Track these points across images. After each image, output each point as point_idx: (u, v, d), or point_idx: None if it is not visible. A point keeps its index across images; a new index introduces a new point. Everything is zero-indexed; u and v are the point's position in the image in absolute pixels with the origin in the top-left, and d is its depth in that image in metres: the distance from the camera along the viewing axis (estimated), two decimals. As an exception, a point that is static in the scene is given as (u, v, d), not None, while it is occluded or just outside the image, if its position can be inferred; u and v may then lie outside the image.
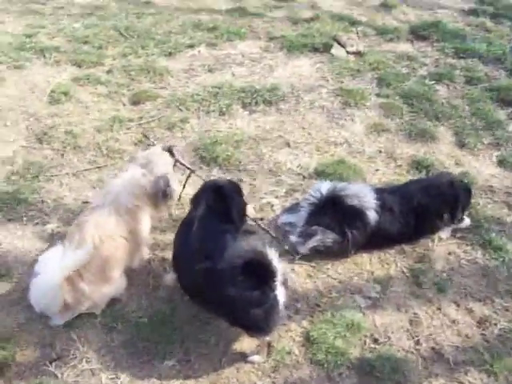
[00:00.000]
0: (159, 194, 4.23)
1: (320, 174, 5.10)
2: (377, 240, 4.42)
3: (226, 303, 3.49)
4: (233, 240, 3.83)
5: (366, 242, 4.38)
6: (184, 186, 4.60)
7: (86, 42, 7.08)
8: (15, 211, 4.79)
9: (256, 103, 6.01)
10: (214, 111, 5.95)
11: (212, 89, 6.24)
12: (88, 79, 6.40)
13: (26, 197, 4.92)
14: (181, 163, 4.61)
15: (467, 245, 4.52)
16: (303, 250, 4.36)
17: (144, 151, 4.62)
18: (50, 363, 3.71)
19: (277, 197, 4.94)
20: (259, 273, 3.37)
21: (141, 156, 4.43)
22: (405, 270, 4.30)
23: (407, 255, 4.42)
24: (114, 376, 3.64)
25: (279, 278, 3.45)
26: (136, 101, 6.12)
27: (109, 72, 6.57)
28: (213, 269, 3.50)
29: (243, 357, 3.71)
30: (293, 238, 4.43)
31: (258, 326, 3.53)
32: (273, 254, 3.39)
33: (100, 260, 3.92)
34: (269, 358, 3.71)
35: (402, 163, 5.24)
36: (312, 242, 4.34)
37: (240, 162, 5.29)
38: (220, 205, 3.98)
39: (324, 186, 4.41)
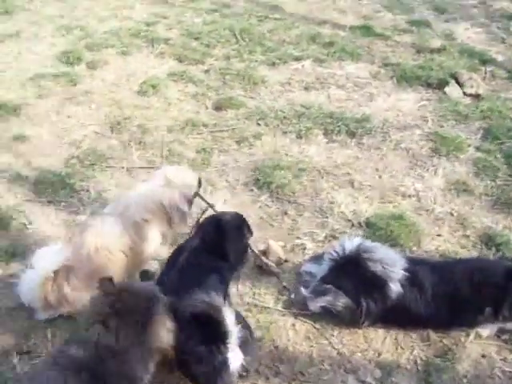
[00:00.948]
0: (176, 210, 4.05)
1: (371, 225, 4.52)
2: (397, 317, 3.81)
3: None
4: (216, 279, 3.52)
5: (383, 316, 3.80)
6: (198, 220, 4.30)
7: (197, 38, 7.07)
8: (57, 195, 4.89)
9: (338, 132, 5.53)
10: (291, 132, 5.59)
11: (300, 108, 5.88)
12: (182, 76, 6.37)
13: (73, 182, 5.00)
14: (200, 197, 4.32)
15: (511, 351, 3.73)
16: (312, 306, 3.89)
17: (170, 167, 4.43)
18: (18, 355, 3.66)
19: (314, 240, 4.48)
20: (209, 329, 3.02)
21: (165, 170, 4.26)
22: (419, 361, 3.63)
23: (431, 344, 3.73)
24: None
25: (234, 341, 3.07)
26: (219, 106, 5.95)
27: (206, 72, 6.49)
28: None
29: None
30: (304, 291, 3.97)
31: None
32: (229, 313, 3.01)
33: (90, 269, 3.80)
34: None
35: (472, 234, 4.46)
36: (322, 302, 3.84)
37: (293, 193, 4.88)
38: (216, 239, 3.68)
39: (349, 243, 3.88)
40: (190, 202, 4.13)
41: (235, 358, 3.11)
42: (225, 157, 5.34)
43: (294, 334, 3.81)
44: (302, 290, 3.99)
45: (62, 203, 4.83)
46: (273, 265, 4.23)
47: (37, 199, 4.88)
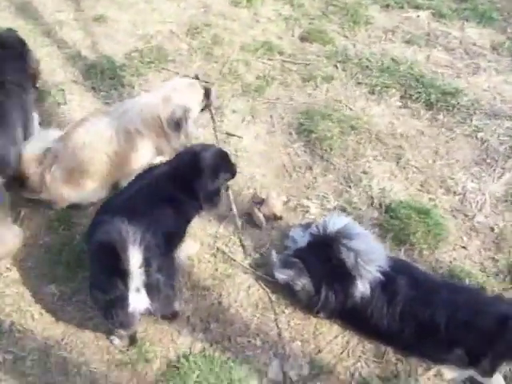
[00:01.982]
0: (172, 124, 3.79)
1: (390, 211, 3.92)
2: (356, 321, 3.32)
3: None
4: (170, 213, 3.24)
5: (341, 314, 3.33)
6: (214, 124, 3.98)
7: None
8: (103, 83, 4.88)
9: (417, 99, 4.78)
10: (366, 85, 4.95)
11: (389, 61, 5.15)
12: None
13: (123, 75, 4.93)
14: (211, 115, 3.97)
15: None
16: (277, 275, 3.49)
17: (173, 80, 4.07)
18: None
19: (321, 206, 4.00)
20: (112, 261, 2.78)
21: (167, 84, 3.95)
22: (356, 376, 3.15)
23: (382, 362, 3.22)
24: None
25: (137, 282, 2.81)
26: (305, 37, 5.44)
27: None
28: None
29: (108, 333, 3.24)
30: (274, 257, 3.57)
31: (102, 313, 2.99)
32: (135, 253, 2.73)
33: (73, 162, 3.73)
34: (131, 348, 3.20)
35: (502, 259, 3.68)
36: (284, 274, 3.44)
37: (330, 150, 4.36)
38: (186, 172, 3.34)
39: (334, 221, 3.36)
40: (187, 120, 3.84)
41: (137, 299, 2.87)
42: (283, 91, 4.89)
43: (244, 296, 3.50)
44: (273, 254, 3.61)
45: (102, 92, 4.78)
46: (260, 217, 3.87)
47: (82, 82, 4.87)
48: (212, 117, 4.00)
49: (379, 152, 4.39)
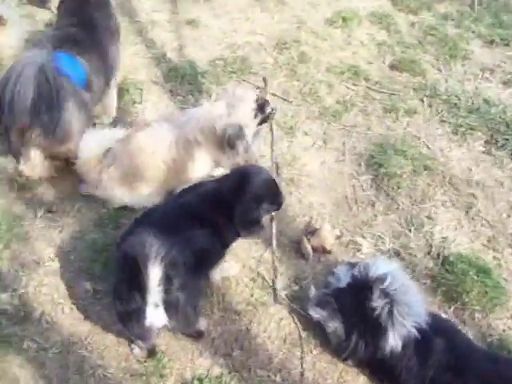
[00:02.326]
0: (224, 142, 3.73)
1: (446, 263, 3.65)
2: (383, 374, 3.12)
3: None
4: (202, 236, 3.13)
5: (370, 364, 3.14)
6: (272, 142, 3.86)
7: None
8: (181, 87, 4.90)
9: (503, 146, 4.44)
10: (450, 124, 4.65)
11: (480, 101, 4.81)
12: (381, 20, 5.67)
13: (203, 82, 4.96)
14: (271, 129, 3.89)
15: None
16: (311, 312, 3.35)
17: (235, 89, 3.99)
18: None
19: (375, 246, 3.80)
20: (134, 274, 2.77)
21: (228, 94, 3.88)
22: None
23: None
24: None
25: (155, 298, 2.78)
26: (395, 65, 5.19)
27: (411, 25, 5.67)
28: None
29: (130, 340, 3.23)
30: (312, 293, 3.43)
31: (121, 323, 2.98)
32: (156, 269, 2.70)
33: (129, 165, 3.77)
34: (149, 360, 3.17)
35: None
36: (317, 313, 3.29)
37: (397, 188, 4.13)
38: (230, 194, 3.23)
39: (379, 266, 3.16)
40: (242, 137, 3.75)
41: (155, 314, 2.83)
42: (361, 119, 4.71)
43: (274, 328, 3.37)
44: (312, 289, 3.47)
45: (179, 97, 4.81)
46: (308, 248, 3.73)
47: (162, 83, 4.93)
48: (271, 132, 3.87)
49: (449, 198, 4.11)
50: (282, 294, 3.52)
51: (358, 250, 3.79)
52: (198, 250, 3.04)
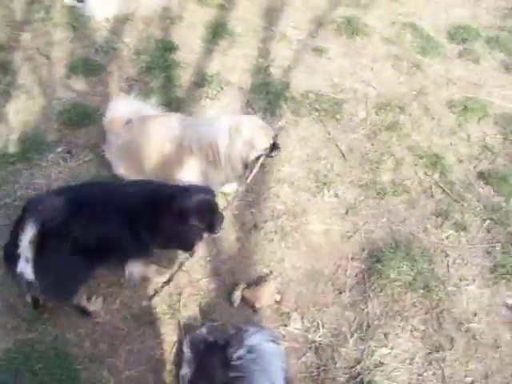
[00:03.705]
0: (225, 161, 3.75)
1: None
2: None
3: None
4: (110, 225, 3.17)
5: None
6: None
7: None
8: (256, 96, 4.90)
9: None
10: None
11: None
12: None
13: (281, 105, 4.86)
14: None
15: None
16: (184, 346, 3.18)
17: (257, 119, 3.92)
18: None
19: (306, 332, 3.47)
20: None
21: (250, 120, 3.84)
22: None
23: None
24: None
25: (24, 252, 2.91)
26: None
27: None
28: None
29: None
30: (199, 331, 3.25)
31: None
32: (34, 224, 2.82)
33: (130, 144, 3.92)
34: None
35: None
36: (185, 351, 3.12)
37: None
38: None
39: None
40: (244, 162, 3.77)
41: (24, 267, 2.93)
42: (403, 208, 4.28)
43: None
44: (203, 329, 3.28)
45: (250, 109, 4.82)
46: (236, 296, 3.56)
47: (245, 91, 4.99)
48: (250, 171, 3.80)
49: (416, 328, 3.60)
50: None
51: (285, 325, 3.52)
52: (93, 236, 3.10)
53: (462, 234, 4.17)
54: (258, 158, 3.73)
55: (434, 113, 5.06)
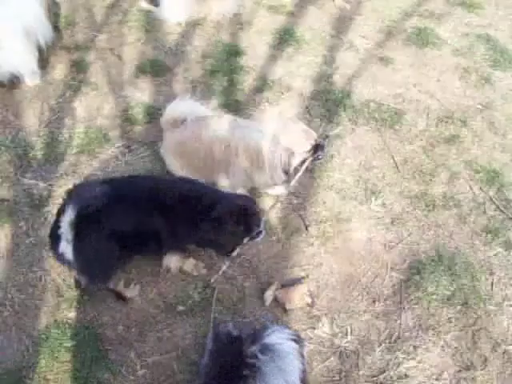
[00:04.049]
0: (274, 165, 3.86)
1: None
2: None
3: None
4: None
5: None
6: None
7: None
8: (316, 103, 4.94)
9: None
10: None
11: None
12: None
13: (340, 114, 4.89)
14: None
15: None
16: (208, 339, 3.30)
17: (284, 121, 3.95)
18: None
19: (335, 337, 3.49)
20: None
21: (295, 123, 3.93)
22: None
23: None
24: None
25: (65, 234, 3.17)
26: None
27: None
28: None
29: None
30: (226, 327, 3.35)
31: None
32: (73, 209, 3.08)
33: (182, 143, 4.12)
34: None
35: None
36: (208, 343, 3.23)
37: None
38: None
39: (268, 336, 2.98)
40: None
41: (65, 247, 3.22)
42: (453, 222, 4.20)
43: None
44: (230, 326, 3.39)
45: (308, 115, 4.89)
46: (268, 295, 3.64)
47: (304, 97, 5.09)
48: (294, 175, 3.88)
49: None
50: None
51: (314, 328, 3.57)
52: (130, 225, 3.31)
53: (511, 253, 4.06)
54: (302, 162, 3.81)
55: (499, 128, 4.91)
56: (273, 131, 3.82)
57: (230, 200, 3.41)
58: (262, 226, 3.49)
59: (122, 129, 4.68)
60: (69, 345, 3.40)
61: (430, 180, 4.47)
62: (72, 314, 3.55)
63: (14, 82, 4.90)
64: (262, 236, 3.55)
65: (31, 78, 4.91)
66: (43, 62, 5.07)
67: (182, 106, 4.27)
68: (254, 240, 3.58)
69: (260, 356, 2.88)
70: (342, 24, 5.88)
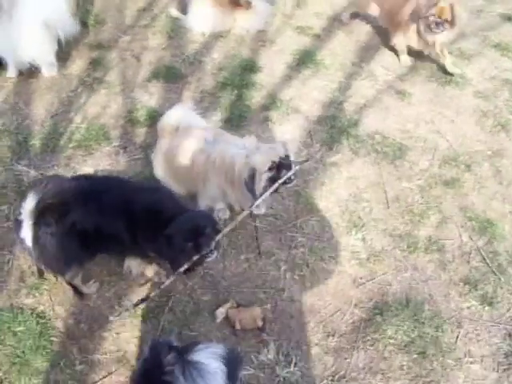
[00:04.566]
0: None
1: None
2: None
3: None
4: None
5: None
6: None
7: None
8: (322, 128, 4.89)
9: None
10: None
11: None
12: None
13: (342, 142, 4.82)
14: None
15: None
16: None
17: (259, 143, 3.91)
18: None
19: (276, 357, 3.43)
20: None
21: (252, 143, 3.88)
22: None
23: None
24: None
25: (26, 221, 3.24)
26: None
27: None
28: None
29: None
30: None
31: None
32: (34, 199, 3.18)
33: (169, 153, 4.15)
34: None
35: None
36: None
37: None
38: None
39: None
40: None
41: (26, 234, 3.27)
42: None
43: (122, 338, 3.49)
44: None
45: (312, 132, 4.85)
46: (221, 312, 3.62)
47: (311, 116, 5.03)
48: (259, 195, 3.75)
49: None
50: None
51: (258, 353, 3.50)
52: (91, 223, 3.34)
53: (486, 308, 3.85)
54: (271, 183, 3.75)
55: (505, 177, 4.72)
56: (247, 148, 3.81)
57: (186, 217, 3.37)
58: (212, 245, 3.44)
59: (122, 129, 4.79)
60: (16, 330, 3.48)
61: (419, 221, 4.33)
62: (28, 301, 3.64)
63: (32, 72, 5.11)
64: (213, 256, 3.49)
65: (48, 70, 5.11)
66: (64, 55, 5.26)
67: (178, 114, 4.33)
68: (206, 259, 3.53)
69: (177, 373, 2.87)
70: (365, 52, 5.82)
